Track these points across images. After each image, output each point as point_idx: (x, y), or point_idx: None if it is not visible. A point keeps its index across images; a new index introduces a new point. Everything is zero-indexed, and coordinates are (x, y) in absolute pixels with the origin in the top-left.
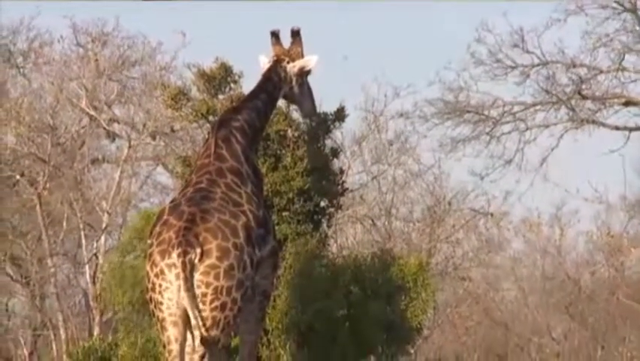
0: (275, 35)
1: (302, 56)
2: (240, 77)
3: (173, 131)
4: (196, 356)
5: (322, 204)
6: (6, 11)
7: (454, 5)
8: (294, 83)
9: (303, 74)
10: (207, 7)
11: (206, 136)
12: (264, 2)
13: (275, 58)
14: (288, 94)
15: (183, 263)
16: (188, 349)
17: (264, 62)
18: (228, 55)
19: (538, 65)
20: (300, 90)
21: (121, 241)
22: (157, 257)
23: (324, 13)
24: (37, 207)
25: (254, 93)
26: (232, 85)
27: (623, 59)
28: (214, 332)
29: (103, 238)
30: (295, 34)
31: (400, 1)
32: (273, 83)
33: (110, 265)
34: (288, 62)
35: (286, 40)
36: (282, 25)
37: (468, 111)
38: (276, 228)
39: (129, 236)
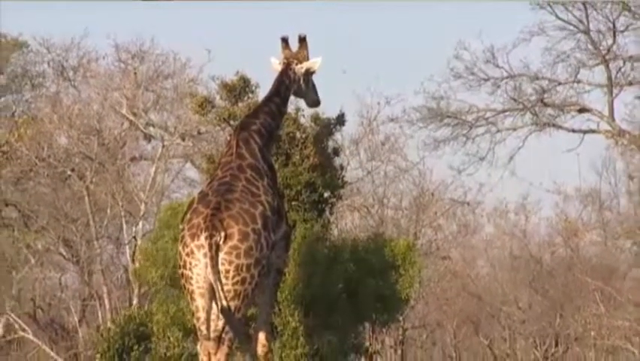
0: (284, 41)
1: (308, 59)
2: (256, 87)
3: (199, 133)
4: (220, 323)
5: (325, 195)
6: (59, 33)
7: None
8: (301, 81)
9: (309, 73)
10: (206, 6)
11: (228, 138)
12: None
13: (285, 61)
14: (296, 90)
15: (210, 244)
16: (213, 316)
17: (275, 63)
18: (229, 53)
19: (507, 77)
20: (307, 87)
21: (153, 229)
22: (188, 239)
23: (324, 16)
24: (86, 197)
25: (269, 98)
26: (250, 94)
27: (578, 72)
28: (235, 303)
29: (140, 223)
30: (302, 40)
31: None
32: (285, 85)
33: (143, 249)
34: (296, 64)
35: (293, 44)
36: (278, 29)
37: (448, 116)
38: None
39: (158, 225)
